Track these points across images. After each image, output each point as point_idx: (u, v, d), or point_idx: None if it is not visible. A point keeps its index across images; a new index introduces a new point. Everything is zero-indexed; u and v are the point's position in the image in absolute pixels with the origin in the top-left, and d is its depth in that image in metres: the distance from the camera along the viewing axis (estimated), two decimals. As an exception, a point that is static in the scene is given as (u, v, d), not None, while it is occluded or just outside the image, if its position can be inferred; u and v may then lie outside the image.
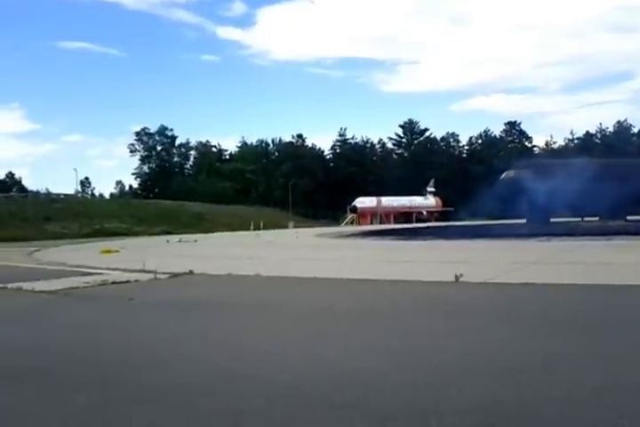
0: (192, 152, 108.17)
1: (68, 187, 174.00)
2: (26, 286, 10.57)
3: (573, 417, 3.25)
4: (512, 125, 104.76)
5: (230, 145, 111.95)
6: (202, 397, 3.84)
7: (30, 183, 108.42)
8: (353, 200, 77.93)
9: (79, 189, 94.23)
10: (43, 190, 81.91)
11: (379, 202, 79.40)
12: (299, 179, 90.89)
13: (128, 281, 11.03)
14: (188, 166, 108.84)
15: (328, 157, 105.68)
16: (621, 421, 3.15)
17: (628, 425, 3.08)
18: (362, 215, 77.79)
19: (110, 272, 12.86)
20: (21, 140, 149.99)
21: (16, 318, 7.61)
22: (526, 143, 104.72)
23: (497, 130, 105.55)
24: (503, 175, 42.15)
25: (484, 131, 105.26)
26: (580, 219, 43.97)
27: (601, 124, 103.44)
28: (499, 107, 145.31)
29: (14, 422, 3.50)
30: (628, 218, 39.53)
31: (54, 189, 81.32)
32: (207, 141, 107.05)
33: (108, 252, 21.65)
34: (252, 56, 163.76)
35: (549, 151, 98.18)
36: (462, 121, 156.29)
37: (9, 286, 10.67)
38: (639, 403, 3.45)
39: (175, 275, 11.85)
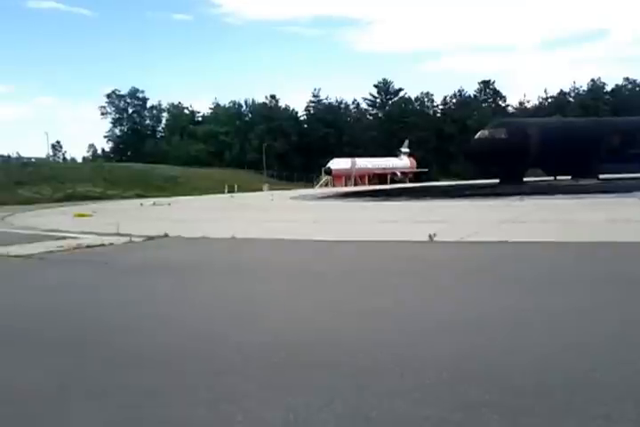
0: (164, 114, 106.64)
1: (39, 151, 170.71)
2: (0, 250, 10.44)
3: (547, 370, 3.31)
4: (486, 85, 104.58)
5: (203, 107, 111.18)
6: (177, 358, 3.84)
7: (0, 147, 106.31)
8: (327, 162, 77.66)
9: (50, 152, 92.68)
10: (13, 155, 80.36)
11: (353, 163, 79.22)
12: (273, 140, 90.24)
13: (103, 244, 10.94)
14: (160, 129, 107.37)
15: (302, 118, 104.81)
16: (593, 373, 3.22)
17: (601, 378, 3.16)
18: (336, 177, 77.69)
19: (85, 236, 12.73)
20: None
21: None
22: (500, 102, 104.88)
23: (471, 89, 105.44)
24: (477, 135, 42.16)
25: (459, 90, 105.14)
26: (552, 178, 44.46)
27: (575, 82, 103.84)
28: (473, 66, 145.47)
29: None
30: (600, 176, 40.02)
31: (25, 153, 79.94)
32: (179, 103, 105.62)
33: (82, 216, 21.43)
34: (224, 15, 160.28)
35: (523, 110, 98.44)
36: (436, 81, 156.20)
37: (-19, 251, 10.51)
38: (610, 356, 3.53)
39: (150, 238, 11.78)
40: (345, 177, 78.80)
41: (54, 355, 4.05)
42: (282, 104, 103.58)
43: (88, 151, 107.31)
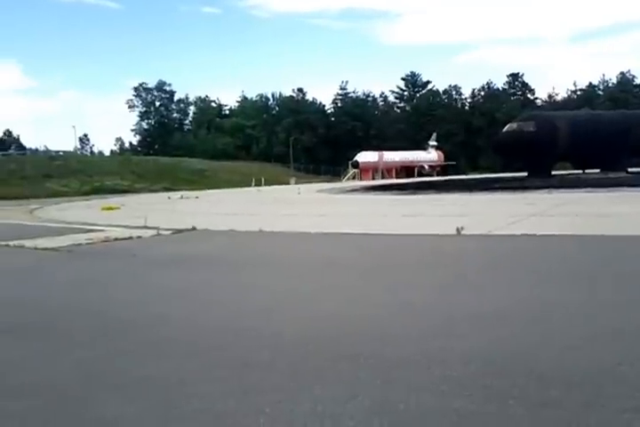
0: (191, 108, 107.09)
1: (66, 144, 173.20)
2: (28, 243, 10.61)
3: (572, 364, 3.29)
4: (515, 77, 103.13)
5: (230, 100, 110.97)
6: (207, 350, 3.89)
7: (28, 141, 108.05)
8: (354, 155, 77.42)
9: (78, 146, 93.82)
10: (41, 148, 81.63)
11: (380, 157, 78.89)
12: (300, 134, 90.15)
13: (131, 237, 11.07)
14: (187, 122, 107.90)
15: (329, 111, 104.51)
16: (620, 367, 3.19)
17: (627, 371, 3.12)
18: (363, 170, 77.41)
19: (113, 229, 12.90)
20: (19, 96, 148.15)
21: (19, 275, 7.66)
22: (529, 95, 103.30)
23: (499, 82, 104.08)
24: (505, 128, 41.68)
25: (487, 83, 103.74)
26: (581, 171, 43.84)
27: (604, 75, 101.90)
28: (502, 59, 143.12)
29: (19, 375, 3.55)
30: (629, 170, 39.37)
31: (53, 147, 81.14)
32: (206, 96, 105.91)
33: (110, 209, 21.69)
34: (251, 8, 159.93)
35: (552, 103, 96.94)
36: (465, 73, 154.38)
37: (11, 243, 10.72)
38: (638, 350, 3.49)
39: (178, 231, 11.88)
40: (372, 170, 78.52)
41: (83, 347, 4.11)
42: (309, 97, 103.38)
43: (115, 145, 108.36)
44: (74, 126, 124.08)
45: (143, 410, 2.92)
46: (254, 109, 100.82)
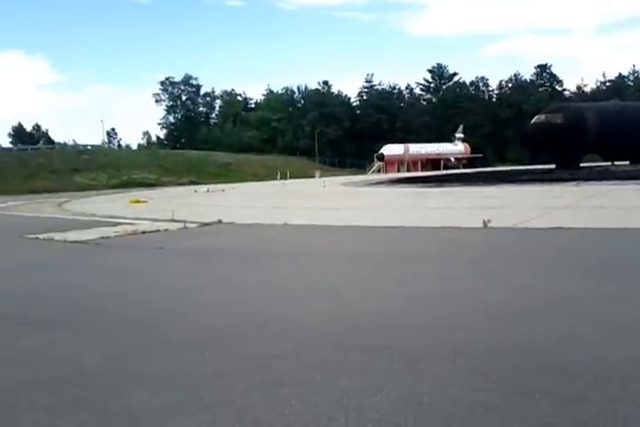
0: (217, 101, 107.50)
1: (94, 138, 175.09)
2: (58, 236, 10.77)
3: (602, 357, 3.25)
4: (543, 69, 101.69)
5: (256, 93, 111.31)
6: (233, 341, 3.91)
7: (57, 135, 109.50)
8: (380, 148, 77.14)
9: (106, 140, 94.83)
10: (70, 142, 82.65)
11: (406, 149, 78.46)
12: (325, 127, 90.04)
13: (158, 230, 11.18)
14: (213, 116, 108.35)
15: (355, 103, 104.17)
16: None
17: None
18: (389, 163, 77.11)
19: (140, 222, 13.03)
20: (47, 91, 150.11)
21: (48, 268, 7.78)
22: (557, 87, 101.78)
23: (527, 73, 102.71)
24: (533, 120, 41.11)
25: (515, 74, 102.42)
26: (610, 163, 43.15)
27: (634, 66, 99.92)
28: (529, 50, 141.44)
29: (46, 367, 3.61)
30: (660, 162, 38.63)
31: (81, 141, 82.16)
32: (232, 90, 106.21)
33: (137, 202, 21.91)
34: (277, 0, 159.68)
35: (580, 95, 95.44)
36: (492, 65, 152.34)
37: (41, 236, 10.88)
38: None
39: (204, 224, 11.97)
40: (397, 163, 78.16)
41: (110, 339, 4.17)
42: (334, 90, 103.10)
43: (143, 138, 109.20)
44: (101, 120, 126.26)
45: (168, 402, 2.94)
46: (280, 103, 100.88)
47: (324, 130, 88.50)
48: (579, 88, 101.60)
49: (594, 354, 3.32)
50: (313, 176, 58.87)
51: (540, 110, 44.25)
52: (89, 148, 71.44)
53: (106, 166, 57.05)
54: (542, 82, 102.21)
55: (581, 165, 40.13)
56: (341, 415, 2.67)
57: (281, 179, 52.24)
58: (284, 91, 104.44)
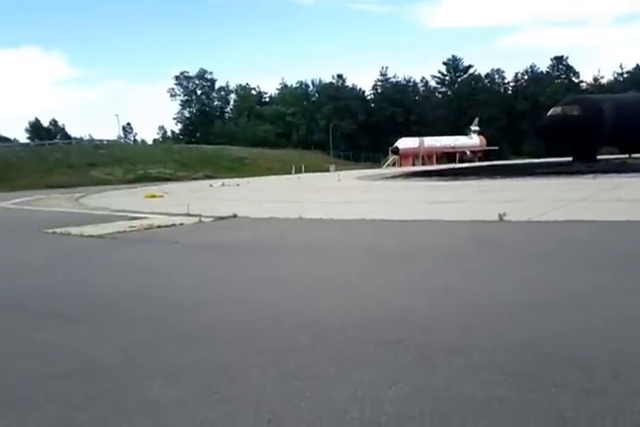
0: (232, 95, 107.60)
1: (110, 133, 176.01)
2: (74, 230, 10.85)
3: (619, 351, 3.22)
4: (559, 60, 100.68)
5: (270, 87, 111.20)
6: (247, 336, 3.92)
7: (73, 130, 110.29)
8: (395, 141, 76.86)
9: (122, 134, 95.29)
10: (86, 137, 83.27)
11: (421, 142, 78.11)
12: (340, 120, 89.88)
13: (173, 225, 11.23)
14: (228, 110, 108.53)
15: (369, 97, 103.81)
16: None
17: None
18: (404, 157, 76.82)
19: (156, 216, 13.10)
20: (63, 87, 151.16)
21: (65, 262, 7.84)
22: (573, 79, 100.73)
23: (543, 65, 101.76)
24: (549, 112, 40.73)
25: (530, 66, 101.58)
26: (627, 156, 42.71)
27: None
28: (545, 41, 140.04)
29: (65, 359, 3.64)
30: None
31: (97, 136, 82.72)
32: (247, 84, 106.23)
33: (153, 196, 22.03)
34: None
35: (597, 86, 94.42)
36: (507, 57, 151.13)
37: (58, 230, 10.98)
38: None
39: (219, 218, 12.01)
40: (412, 156, 77.86)
41: (127, 331, 4.19)
42: (349, 83, 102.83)
43: (158, 133, 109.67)
44: (117, 115, 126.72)
45: (184, 394, 2.96)
46: (294, 96, 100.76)
47: (339, 124, 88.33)
48: (595, 80, 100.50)
49: (610, 347, 3.29)
50: (328, 170, 58.82)
51: (557, 102, 43.83)
52: (105, 143, 71.89)
53: (122, 161, 57.39)
54: (558, 74, 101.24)
55: (598, 157, 39.76)
56: (356, 408, 2.67)
57: (296, 173, 52.23)
58: (298, 85, 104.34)
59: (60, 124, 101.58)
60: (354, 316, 4.26)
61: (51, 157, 55.67)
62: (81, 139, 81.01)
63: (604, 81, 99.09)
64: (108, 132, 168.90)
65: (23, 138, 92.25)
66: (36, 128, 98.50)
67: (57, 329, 4.40)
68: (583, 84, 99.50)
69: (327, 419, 2.61)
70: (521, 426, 2.46)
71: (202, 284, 5.89)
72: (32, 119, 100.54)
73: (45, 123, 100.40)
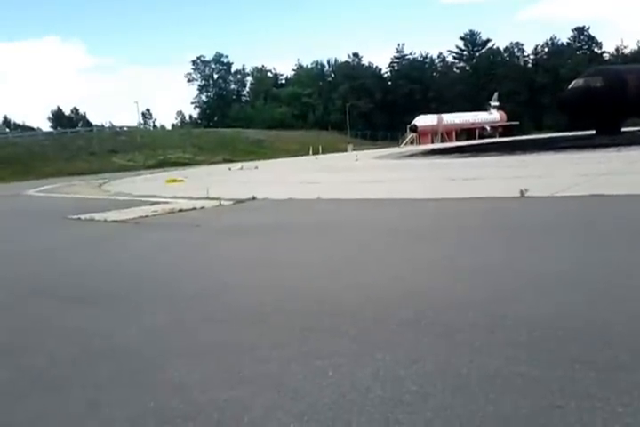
0: (248, 78, 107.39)
1: (130, 119, 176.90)
2: (98, 216, 10.97)
3: (645, 327, 3.18)
4: (580, 31, 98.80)
5: (286, 69, 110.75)
6: (270, 315, 3.94)
7: (94, 118, 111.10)
8: (413, 119, 76.25)
9: (141, 121, 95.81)
10: (107, 124, 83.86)
11: (440, 119, 77.43)
12: (356, 100, 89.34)
13: (194, 208, 11.30)
14: (244, 93, 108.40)
15: (386, 75, 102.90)
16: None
17: None
18: (422, 134, 76.26)
19: (177, 201, 13.18)
20: (83, 75, 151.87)
21: (89, 247, 7.93)
22: (596, 50, 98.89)
23: (564, 37, 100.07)
24: (571, 84, 40.00)
25: (551, 38, 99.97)
26: (653, 127, 41.94)
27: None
28: (565, 12, 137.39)
29: (90, 342, 3.69)
30: None
31: (117, 123, 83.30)
32: (263, 66, 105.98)
33: (174, 181, 22.17)
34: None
35: (620, 57, 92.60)
36: (526, 30, 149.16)
37: (82, 216, 11.11)
38: None
39: (239, 201, 12.05)
40: (431, 134, 77.28)
41: (152, 315, 4.23)
42: (365, 62, 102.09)
43: (176, 118, 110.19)
44: (136, 102, 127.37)
45: (208, 375, 2.99)
46: (310, 77, 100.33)
47: (355, 103, 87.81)
48: (618, 50, 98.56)
49: (636, 325, 3.25)
50: (345, 150, 58.63)
51: (579, 75, 42.99)
52: (125, 129, 72.39)
53: (142, 147, 57.80)
54: (580, 45, 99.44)
55: (622, 129, 39.07)
56: (378, 386, 2.68)
57: (313, 154, 52.11)
58: (313, 65, 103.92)
59: (81, 112, 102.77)
60: (374, 295, 4.26)
61: (73, 144, 56.25)
62: (102, 126, 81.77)
63: (627, 51, 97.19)
64: (128, 118, 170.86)
65: (46, 127, 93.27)
66: (58, 117, 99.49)
67: (81, 312, 4.45)
68: (606, 55, 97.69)
69: (349, 397, 2.61)
70: (545, 403, 2.45)
71: (223, 266, 5.92)
72: (54, 108, 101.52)
73: (67, 111, 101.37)
